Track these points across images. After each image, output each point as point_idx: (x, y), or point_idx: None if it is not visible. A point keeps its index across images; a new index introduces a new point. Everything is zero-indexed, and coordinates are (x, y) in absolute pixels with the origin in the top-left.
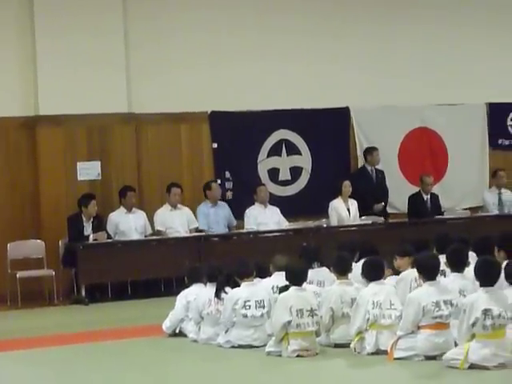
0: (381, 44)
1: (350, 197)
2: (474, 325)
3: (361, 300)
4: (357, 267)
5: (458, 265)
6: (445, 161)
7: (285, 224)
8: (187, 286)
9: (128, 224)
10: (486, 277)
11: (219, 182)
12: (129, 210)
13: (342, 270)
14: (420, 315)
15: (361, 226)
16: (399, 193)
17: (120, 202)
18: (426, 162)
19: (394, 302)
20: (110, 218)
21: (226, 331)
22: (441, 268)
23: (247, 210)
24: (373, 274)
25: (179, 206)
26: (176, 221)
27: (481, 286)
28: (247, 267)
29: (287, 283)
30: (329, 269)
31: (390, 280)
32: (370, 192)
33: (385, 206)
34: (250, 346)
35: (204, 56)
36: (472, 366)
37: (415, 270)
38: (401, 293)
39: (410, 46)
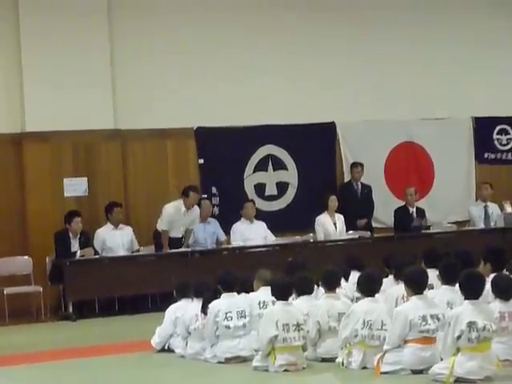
0: (366, 60)
1: (336, 211)
2: (458, 338)
3: (352, 315)
4: (349, 282)
5: (450, 278)
6: (431, 175)
7: (271, 239)
8: (176, 301)
9: (115, 240)
10: (471, 290)
11: (205, 197)
12: (115, 226)
13: (331, 285)
14: (407, 329)
15: (347, 240)
16: (385, 207)
17: (107, 218)
18: (412, 177)
19: (385, 322)
20: (96, 234)
21: (212, 345)
22: (429, 282)
23: (234, 226)
24: (368, 288)
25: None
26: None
27: (465, 299)
28: (230, 279)
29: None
30: (316, 284)
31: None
32: (355, 207)
33: (368, 222)
34: (238, 357)
35: (190, 72)
36: (458, 380)
37: (402, 286)
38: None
39: (396, 61)
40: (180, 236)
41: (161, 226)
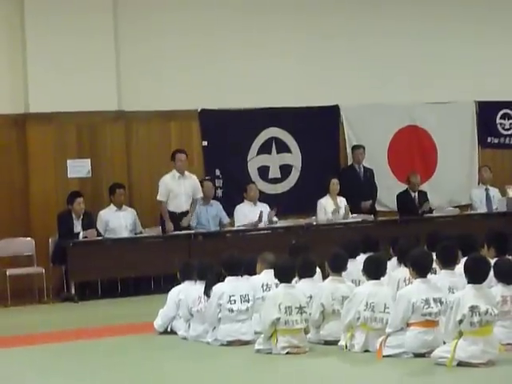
0: (371, 42)
1: (338, 194)
2: (461, 322)
3: (355, 298)
4: (353, 265)
5: (448, 262)
6: (434, 159)
7: (275, 220)
8: (179, 283)
9: (118, 222)
10: (475, 274)
11: (208, 178)
12: (119, 207)
13: (337, 267)
14: (409, 312)
15: (350, 223)
16: (388, 191)
17: (110, 199)
18: (416, 160)
19: (388, 305)
20: (99, 215)
21: (214, 328)
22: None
23: (237, 208)
24: (373, 271)
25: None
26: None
27: (469, 282)
28: (234, 262)
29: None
30: (319, 266)
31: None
32: (358, 190)
33: (373, 204)
34: (239, 341)
35: (194, 54)
36: (460, 364)
37: (404, 269)
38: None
39: (400, 44)
40: (181, 211)
41: (158, 197)
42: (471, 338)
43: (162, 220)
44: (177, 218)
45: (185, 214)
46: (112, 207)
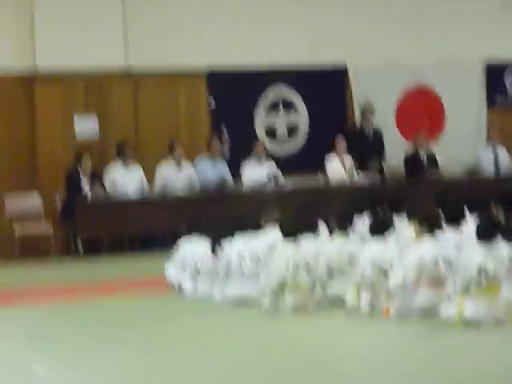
0: (380, 2)
1: (345, 153)
2: (468, 280)
3: (361, 255)
4: (360, 223)
5: (455, 221)
6: (442, 119)
7: (280, 178)
8: (185, 239)
9: (125, 179)
10: (485, 233)
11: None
12: (126, 164)
13: (344, 225)
14: (417, 271)
15: (357, 182)
16: (396, 151)
17: (118, 156)
18: (424, 121)
19: (394, 263)
20: (107, 171)
21: (222, 285)
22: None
23: (244, 166)
24: (380, 230)
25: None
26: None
27: (478, 241)
28: (243, 220)
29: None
30: (327, 224)
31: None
32: (366, 150)
33: (380, 164)
34: (246, 300)
35: (203, 13)
36: (467, 322)
37: (412, 228)
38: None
39: (409, 4)
40: None
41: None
42: (478, 296)
43: None
44: None
45: None
46: (119, 164)
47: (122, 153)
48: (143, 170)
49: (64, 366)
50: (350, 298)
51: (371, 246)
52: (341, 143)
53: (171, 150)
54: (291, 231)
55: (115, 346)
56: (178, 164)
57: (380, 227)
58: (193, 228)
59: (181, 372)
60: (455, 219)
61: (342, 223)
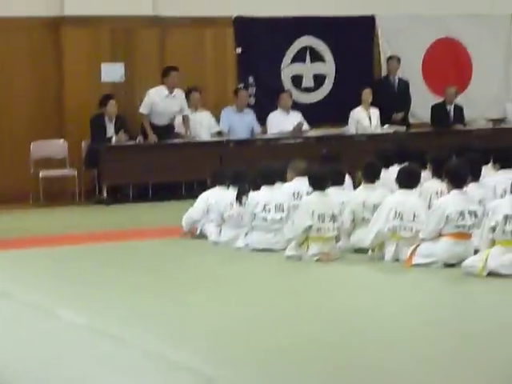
0: None
1: (372, 105)
2: (494, 229)
3: (384, 206)
4: (386, 175)
5: (474, 174)
6: (469, 71)
7: (306, 128)
8: (210, 188)
9: (165, 106)
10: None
11: (242, 86)
12: (170, 91)
13: (370, 176)
14: (443, 223)
15: (382, 134)
16: (422, 103)
17: (162, 81)
18: (450, 73)
19: (418, 214)
20: (148, 94)
21: (246, 234)
22: None
23: (270, 116)
24: (406, 181)
25: (200, 109)
26: (197, 124)
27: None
28: (270, 172)
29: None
30: (350, 176)
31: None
32: (392, 101)
33: (405, 116)
34: (270, 250)
35: None
36: (491, 273)
37: (437, 181)
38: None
39: None
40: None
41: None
42: (504, 247)
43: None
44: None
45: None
46: (162, 89)
47: (167, 77)
48: None
49: (86, 310)
50: (372, 244)
51: (394, 196)
52: (368, 94)
53: (187, 95)
54: (317, 181)
55: (140, 291)
56: (196, 109)
57: (408, 179)
58: (218, 177)
59: (201, 318)
60: (473, 172)
61: (368, 174)
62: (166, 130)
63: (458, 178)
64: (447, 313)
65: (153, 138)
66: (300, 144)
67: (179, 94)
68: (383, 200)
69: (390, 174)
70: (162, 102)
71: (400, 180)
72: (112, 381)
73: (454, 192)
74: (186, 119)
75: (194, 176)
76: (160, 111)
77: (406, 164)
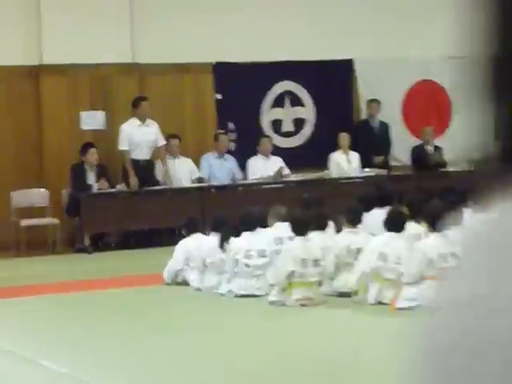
0: None
1: (351, 149)
2: None
3: (369, 247)
4: (368, 218)
5: (454, 217)
6: (449, 113)
7: (287, 173)
8: (185, 237)
9: (140, 135)
10: None
11: (222, 131)
12: (142, 121)
13: (353, 220)
14: (425, 265)
15: (363, 178)
16: (403, 145)
17: (132, 112)
18: (431, 115)
19: (402, 257)
20: (122, 128)
21: (229, 281)
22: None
23: (250, 161)
24: (393, 225)
25: (179, 156)
26: (177, 171)
27: None
28: (251, 218)
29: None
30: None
31: None
32: (372, 144)
33: (386, 159)
34: (253, 296)
35: (209, 7)
36: None
37: (415, 225)
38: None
39: None
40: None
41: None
42: None
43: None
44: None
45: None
46: (134, 120)
47: (138, 107)
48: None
49: (68, 359)
50: (356, 290)
51: (379, 238)
52: (345, 139)
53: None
54: (298, 226)
55: (123, 339)
56: (175, 157)
57: (395, 222)
58: (193, 223)
59: (185, 365)
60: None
61: (351, 218)
62: (147, 170)
63: (435, 221)
64: None
65: (134, 181)
66: (281, 189)
67: (152, 123)
68: (367, 243)
69: (372, 217)
70: (136, 132)
71: (387, 223)
72: None
73: (434, 234)
74: (162, 150)
75: (175, 222)
76: (136, 142)
77: (387, 207)
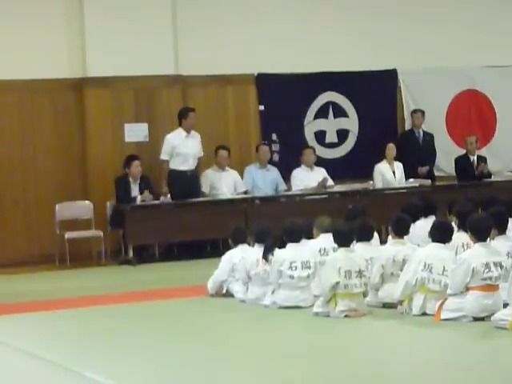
0: (430, 5)
1: (395, 160)
2: None
3: (414, 257)
4: (413, 228)
5: (500, 227)
6: (493, 123)
7: (331, 184)
8: (231, 248)
9: (186, 147)
10: None
11: (264, 143)
12: (188, 131)
13: (400, 231)
14: (469, 276)
15: (407, 188)
16: (446, 155)
17: (179, 123)
18: (474, 125)
19: (447, 268)
20: (166, 139)
21: (273, 292)
22: None
23: (293, 172)
24: (439, 235)
25: (227, 168)
26: (223, 183)
27: None
28: (295, 229)
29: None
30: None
31: None
32: (417, 155)
33: (430, 169)
34: (297, 307)
35: (252, 18)
36: None
37: (463, 234)
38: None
39: (461, 7)
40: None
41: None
42: None
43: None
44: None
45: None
46: (180, 131)
47: (186, 119)
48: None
49: (114, 371)
50: (401, 299)
51: (424, 249)
52: (391, 149)
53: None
54: (342, 238)
55: (169, 349)
56: (222, 169)
57: (441, 233)
58: (237, 235)
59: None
60: (500, 224)
61: (397, 229)
62: (193, 180)
63: (480, 231)
64: (479, 369)
65: (165, 190)
66: (325, 200)
67: (196, 134)
68: (412, 254)
69: (417, 228)
70: (182, 143)
71: (433, 234)
72: None
73: (478, 244)
74: (199, 162)
75: (219, 234)
76: (183, 153)
77: (431, 217)
